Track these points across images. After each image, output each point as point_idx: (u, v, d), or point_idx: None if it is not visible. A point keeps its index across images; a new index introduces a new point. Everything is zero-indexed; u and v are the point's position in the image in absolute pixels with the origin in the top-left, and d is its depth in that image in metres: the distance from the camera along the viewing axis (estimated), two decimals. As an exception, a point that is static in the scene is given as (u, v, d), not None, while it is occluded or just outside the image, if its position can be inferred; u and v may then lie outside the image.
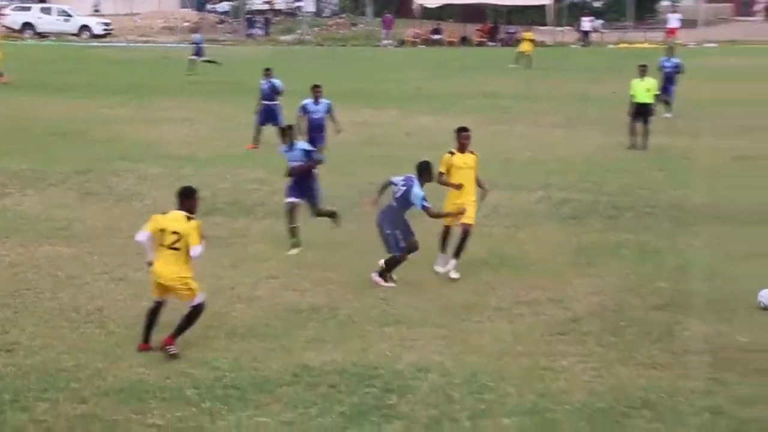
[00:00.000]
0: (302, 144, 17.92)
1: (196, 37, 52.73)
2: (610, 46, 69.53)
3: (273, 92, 28.31)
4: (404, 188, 15.51)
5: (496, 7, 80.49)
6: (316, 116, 23.45)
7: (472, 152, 16.48)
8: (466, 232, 16.12)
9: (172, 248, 12.24)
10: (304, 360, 12.42)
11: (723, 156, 27.18)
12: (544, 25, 77.18)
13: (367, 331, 13.60)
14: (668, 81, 33.56)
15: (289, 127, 18.42)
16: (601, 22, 76.91)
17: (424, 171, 15.63)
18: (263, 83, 28.63)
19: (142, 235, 12.60)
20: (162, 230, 12.31)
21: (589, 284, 15.72)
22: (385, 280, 15.54)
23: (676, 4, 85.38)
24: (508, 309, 14.63)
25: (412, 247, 15.58)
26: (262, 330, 13.60)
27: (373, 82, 47.65)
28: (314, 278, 15.95)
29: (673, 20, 74.66)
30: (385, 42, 74.63)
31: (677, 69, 34.06)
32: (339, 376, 11.90)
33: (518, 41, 66.35)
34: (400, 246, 15.40)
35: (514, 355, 12.80)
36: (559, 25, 77.76)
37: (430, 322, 13.96)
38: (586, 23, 74.09)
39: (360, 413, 10.93)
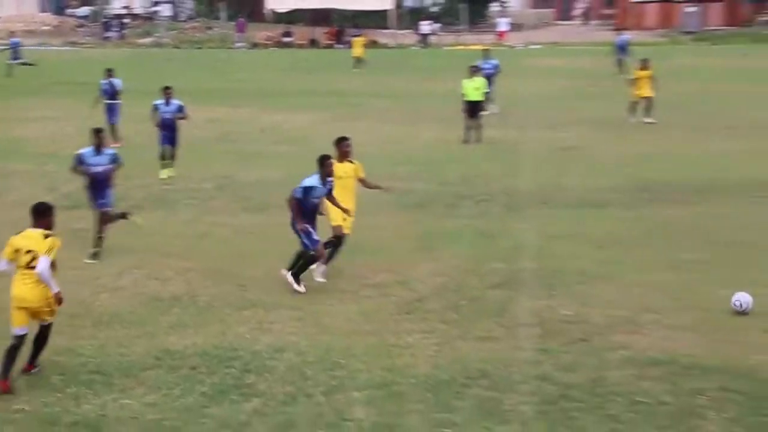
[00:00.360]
0: (110, 150, 17.03)
1: (14, 40, 51.16)
2: (447, 47, 70.20)
3: (113, 91, 28.33)
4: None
5: (341, 12, 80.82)
6: (167, 116, 23.02)
7: (351, 161, 15.73)
8: (339, 239, 15.45)
9: (29, 268, 10.75)
10: (167, 344, 12.26)
11: (548, 147, 27.75)
12: (387, 28, 77.83)
13: (226, 316, 13.49)
14: (487, 81, 33.82)
15: (100, 130, 17.16)
16: (438, 25, 77.82)
17: (321, 164, 14.67)
18: (104, 83, 28.52)
19: (1, 264, 11.09)
20: (17, 251, 10.81)
21: (431, 267, 15.87)
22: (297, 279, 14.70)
23: (505, 9, 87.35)
24: (356, 291, 14.68)
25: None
26: (126, 317, 13.36)
27: (228, 82, 47.26)
28: (175, 268, 15.73)
29: (503, 24, 76.44)
30: (239, 44, 73.99)
31: (495, 70, 34.31)
32: (200, 359, 11.77)
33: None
34: (312, 240, 14.53)
35: (364, 333, 12.84)
36: (401, 28, 78.46)
37: (284, 306, 13.91)
38: (425, 27, 74.91)
39: (220, 392, 10.84)
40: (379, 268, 15.86)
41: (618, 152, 26.69)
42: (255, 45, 74.61)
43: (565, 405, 10.48)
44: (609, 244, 17.23)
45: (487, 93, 29.07)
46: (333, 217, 15.23)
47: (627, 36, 51.22)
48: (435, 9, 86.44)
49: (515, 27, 78.77)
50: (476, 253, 16.77)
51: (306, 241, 14.47)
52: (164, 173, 22.78)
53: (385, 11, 78.79)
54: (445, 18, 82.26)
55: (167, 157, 22.97)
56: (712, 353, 11.92)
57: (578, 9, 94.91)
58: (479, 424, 10.05)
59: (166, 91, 23.24)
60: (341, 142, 15.72)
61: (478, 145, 28.00)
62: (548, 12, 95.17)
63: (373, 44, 71.95)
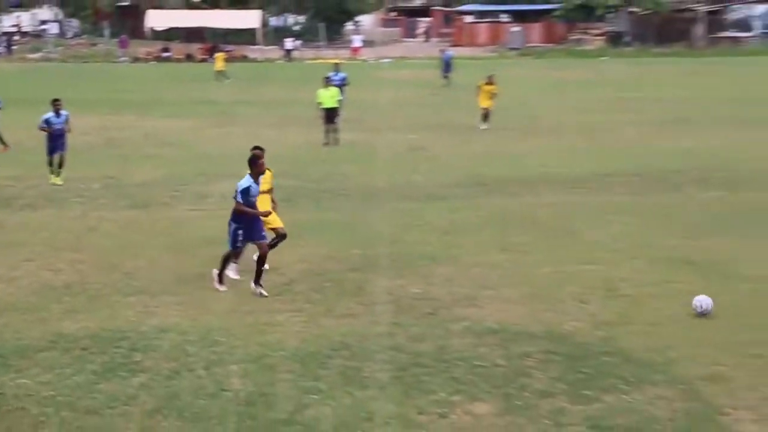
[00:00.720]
0: None
1: None
2: (308, 61, 70.16)
3: None
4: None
5: (214, 30, 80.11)
6: (57, 127, 22.18)
7: (269, 169, 14.73)
8: (283, 236, 14.64)
9: None
10: (60, 329, 11.91)
11: (398, 148, 27.98)
12: (255, 44, 77.51)
13: (114, 302, 13.19)
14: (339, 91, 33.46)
15: None
16: (300, 42, 77.95)
17: (251, 163, 13.70)
18: None
19: None
20: None
21: (298, 254, 15.81)
22: (221, 278, 13.85)
23: (358, 27, 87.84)
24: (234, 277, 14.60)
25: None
26: (22, 305, 12.94)
27: (113, 93, 46.16)
28: (66, 259, 15.31)
29: (357, 41, 76.82)
30: (122, 59, 72.48)
31: (343, 82, 33.41)
32: (91, 340, 11.47)
33: (234, 58, 66.24)
34: (237, 242, 13.56)
35: (240, 314, 12.73)
36: (267, 44, 78.28)
37: (168, 291, 13.68)
38: (289, 43, 74.88)
39: (109, 370, 10.59)
40: (253, 255, 15.74)
41: (458, 152, 27.12)
42: (136, 59, 73.18)
43: (415, 371, 10.59)
44: (451, 231, 17.47)
45: (340, 101, 29.00)
46: (270, 219, 14.38)
47: (451, 52, 51.86)
48: (297, 27, 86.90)
49: (368, 43, 79.38)
50: (337, 241, 16.80)
51: (231, 240, 13.61)
52: (56, 180, 21.98)
53: (253, 29, 78.48)
54: (306, 35, 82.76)
55: (57, 165, 22.15)
56: (537, 322, 12.21)
57: (421, 28, 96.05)
58: (342, 390, 10.09)
59: (56, 104, 22.40)
60: (256, 152, 14.62)
61: (336, 147, 28.05)
62: (396, 30, 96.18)
63: (243, 59, 71.77)
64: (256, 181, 13.70)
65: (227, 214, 16.28)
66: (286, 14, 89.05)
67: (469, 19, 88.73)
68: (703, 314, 12.25)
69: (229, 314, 12.73)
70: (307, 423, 9.30)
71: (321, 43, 78.98)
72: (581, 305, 12.93)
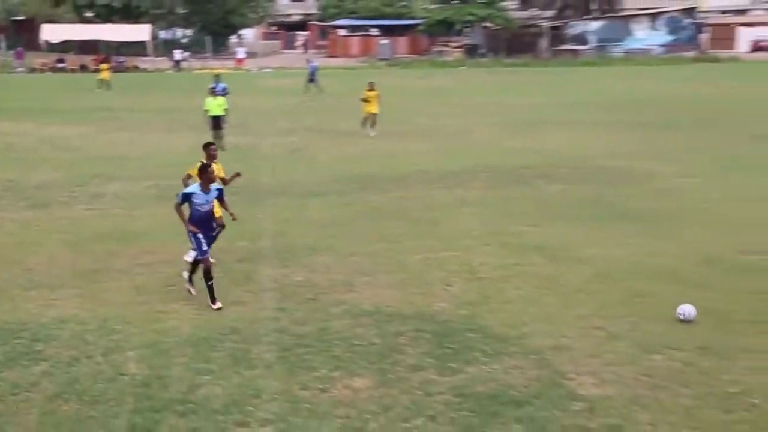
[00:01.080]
0: None
1: None
2: (196, 71, 69.07)
3: None
4: None
5: (107, 42, 77.94)
6: None
7: (217, 163, 14.11)
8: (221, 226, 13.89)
9: None
10: (-37, 322, 11.48)
11: (279, 150, 27.82)
12: (146, 55, 75.84)
13: (15, 295, 12.71)
14: None
15: None
16: (188, 53, 76.65)
17: (200, 172, 12.53)
18: None
19: None
20: None
21: (187, 249, 15.58)
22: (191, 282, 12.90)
23: (241, 40, 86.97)
24: (129, 270, 14.19)
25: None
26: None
27: (10, 101, 44.44)
28: (-31, 257, 14.74)
29: (240, 52, 76.02)
30: (19, 69, 69.82)
31: (224, 92, 31.79)
32: (-7, 333, 11.10)
33: (126, 68, 64.66)
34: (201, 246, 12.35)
35: (136, 304, 12.46)
36: (157, 55, 76.71)
37: (67, 285, 13.26)
38: (177, 54, 73.53)
39: (11, 359, 10.22)
40: (148, 250, 15.42)
41: (334, 153, 27.10)
42: (33, 70, 70.61)
43: (299, 351, 10.56)
44: (330, 225, 17.46)
45: (226, 109, 28.51)
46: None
47: (316, 63, 51.46)
48: (185, 40, 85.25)
49: (251, 54, 78.77)
50: (225, 235, 16.51)
51: (193, 245, 12.52)
52: None
53: (144, 42, 76.78)
54: (194, 47, 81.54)
55: None
56: (408, 304, 12.32)
57: (299, 41, 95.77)
58: (232, 370, 9.98)
59: None
60: (209, 146, 14.41)
61: (222, 151, 27.57)
62: (276, 42, 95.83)
63: (135, 69, 70.15)
64: (205, 189, 12.41)
65: (121, 212, 15.91)
66: (174, 28, 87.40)
67: (342, 32, 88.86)
68: (685, 321, 11.58)
69: (125, 305, 12.42)
70: (200, 402, 9.18)
71: (207, 55, 77.96)
72: (446, 288, 13.10)
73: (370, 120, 30.91)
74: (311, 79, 48.50)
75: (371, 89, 31.09)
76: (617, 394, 9.26)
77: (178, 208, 12.36)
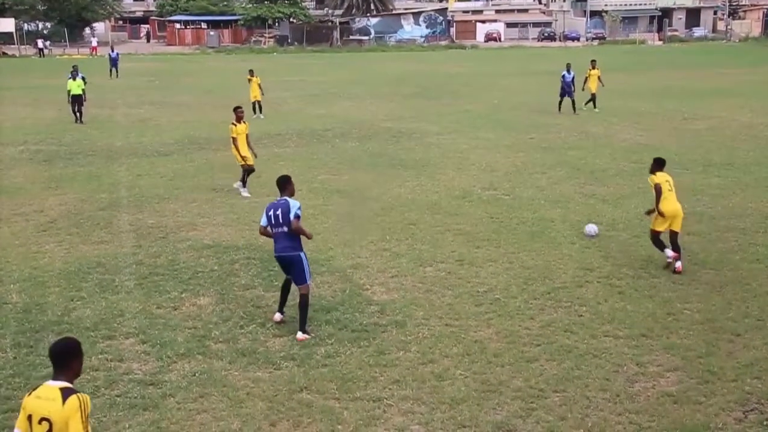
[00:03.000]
0: None
1: None
2: (57, 57, 63.81)
3: None
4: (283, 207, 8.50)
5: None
6: None
7: (245, 122, 14.75)
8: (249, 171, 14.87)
9: None
10: None
11: (129, 119, 26.26)
12: (13, 44, 69.40)
13: None
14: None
15: None
16: (49, 42, 70.97)
17: (286, 184, 8.74)
18: None
19: None
20: (29, 417, 4.14)
21: (59, 199, 14.54)
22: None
23: (93, 31, 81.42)
24: (7, 218, 13.12)
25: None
26: None
27: None
28: None
29: (94, 41, 71.68)
30: None
31: (83, 79, 26.60)
32: None
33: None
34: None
35: (15, 246, 11.57)
36: (23, 44, 70.43)
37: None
38: (40, 43, 67.73)
39: None
40: (21, 202, 14.26)
41: (175, 121, 25.96)
42: None
43: (154, 278, 10.17)
44: (174, 178, 16.79)
45: (84, 89, 26.14)
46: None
47: (115, 53, 44.61)
48: (46, 30, 78.78)
49: (102, 43, 73.64)
50: (88, 188, 15.62)
51: (307, 271, 8.49)
52: None
53: (10, 32, 69.97)
54: (54, 37, 75.68)
55: None
56: (240, 238, 12.11)
57: (142, 32, 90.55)
58: (99, 296, 9.48)
59: None
60: (237, 109, 14.72)
61: (82, 124, 25.59)
62: (124, 33, 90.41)
63: (3, 55, 64.09)
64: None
65: (-4, 173, 14.57)
66: (37, 21, 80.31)
67: (178, 26, 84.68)
68: (590, 237, 11.52)
69: (5, 247, 11.51)
70: (73, 322, 8.67)
71: (65, 44, 72.43)
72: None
73: (258, 104, 26.80)
74: (114, 65, 44.19)
75: (252, 75, 27.27)
76: (400, 298, 9.53)
77: (297, 223, 8.39)
